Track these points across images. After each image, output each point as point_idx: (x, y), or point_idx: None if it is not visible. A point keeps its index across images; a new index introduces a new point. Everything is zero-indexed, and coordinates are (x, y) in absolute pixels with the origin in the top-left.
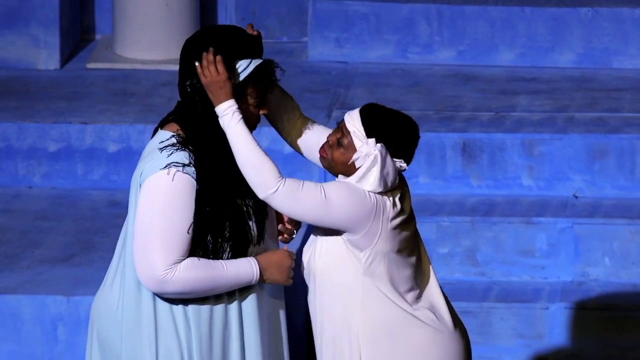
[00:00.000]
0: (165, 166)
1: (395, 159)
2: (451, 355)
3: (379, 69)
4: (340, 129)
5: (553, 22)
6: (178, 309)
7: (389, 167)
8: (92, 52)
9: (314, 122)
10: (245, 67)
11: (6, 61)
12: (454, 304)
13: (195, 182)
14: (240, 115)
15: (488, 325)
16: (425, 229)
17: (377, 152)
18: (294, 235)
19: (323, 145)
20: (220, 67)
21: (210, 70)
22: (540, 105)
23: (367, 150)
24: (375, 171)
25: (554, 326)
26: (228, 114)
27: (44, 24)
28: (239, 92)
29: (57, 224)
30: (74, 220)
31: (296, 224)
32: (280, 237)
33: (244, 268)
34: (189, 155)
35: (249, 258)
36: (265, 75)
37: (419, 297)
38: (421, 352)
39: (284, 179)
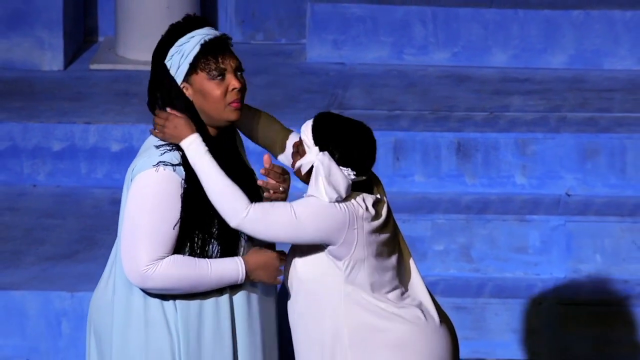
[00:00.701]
0: (156, 164)
1: (342, 167)
2: (436, 350)
3: (375, 70)
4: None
5: (545, 24)
6: (168, 303)
7: (336, 175)
8: (95, 53)
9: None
10: (195, 44)
11: (11, 62)
12: (449, 300)
13: (183, 182)
14: (205, 148)
15: (482, 320)
16: (421, 226)
17: (317, 160)
18: (280, 189)
19: (291, 156)
20: (167, 114)
21: (162, 126)
22: (533, 105)
23: (309, 158)
24: (322, 180)
25: (547, 321)
26: (191, 148)
27: (48, 26)
28: (193, 70)
29: (61, 221)
30: (78, 217)
31: (279, 176)
32: (265, 194)
33: (230, 268)
34: (180, 155)
35: (235, 258)
36: (213, 45)
37: (403, 294)
38: (406, 349)
39: (252, 204)
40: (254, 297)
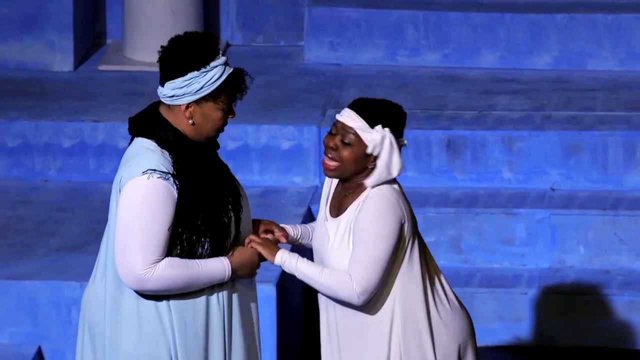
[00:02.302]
0: (145, 171)
1: (398, 139)
2: (467, 331)
3: (370, 70)
4: (338, 131)
5: (531, 27)
6: (162, 303)
7: (397, 147)
8: (103, 55)
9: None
10: (219, 75)
11: (24, 64)
12: None
13: (173, 187)
14: (295, 257)
15: (471, 308)
16: None
17: (387, 134)
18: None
19: (326, 154)
20: (255, 244)
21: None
22: (519, 104)
23: (379, 137)
24: (396, 153)
25: (533, 310)
26: (285, 265)
27: (59, 29)
28: (212, 98)
29: (71, 214)
30: (87, 211)
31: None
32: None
33: (218, 267)
34: (171, 161)
35: (221, 258)
36: (236, 82)
37: (438, 277)
38: (448, 330)
39: (351, 278)
40: (241, 294)
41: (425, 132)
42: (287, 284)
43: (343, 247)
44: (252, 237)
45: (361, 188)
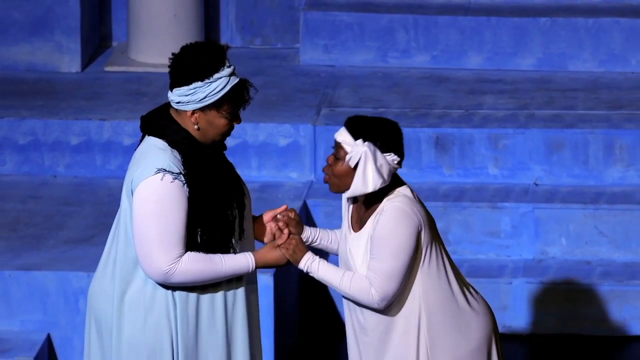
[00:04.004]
0: (157, 171)
1: (385, 153)
2: (488, 327)
3: (362, 71)
4: (334, 148)
5: (515, 30)
6: (168, 297)
7: (381, 161)
8: (109, 57)
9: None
10: (223, 86)
11: (34, 65)
12: None
13: (184, 185)
14: (317, 263)
15: None
16: None
17: (365, 148)
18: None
19: (324, 171)
20: (285, 235)
21: (287, 246)
22: (504, 103)
23: (357, 150)
24: (370, 167)
25: (517, 299)
26: (309, 267)
27: (67, 32)
28: (215, 107)
29: (79, 208)
30: (94, 205)
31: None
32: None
33: (242, 263)
34: (181, 161)
35: (247, 254)
36: (240, 93)
37: (459, 276)
38: (478, 317)
39: (370, 284)
40: (245, 289)
41: (415, 130)
42: (285, 274)
43: (367, 260)
44: (291, 236)
45: (377, 201)
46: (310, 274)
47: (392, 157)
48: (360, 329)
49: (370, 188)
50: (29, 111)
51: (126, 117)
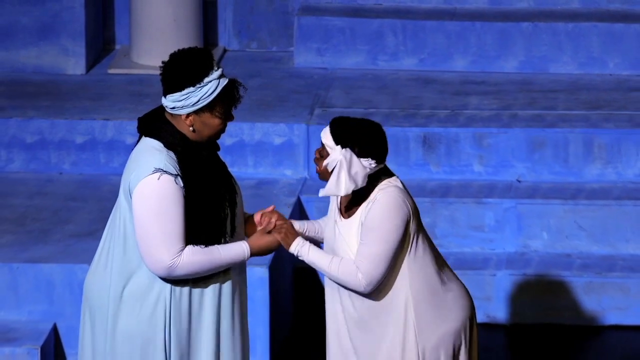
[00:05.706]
0: (154, 171)
1: (361, 159)
2: (471, 305)
3: (353, 74)
4: (321, 145)
5: (499, 34)
6: (164, 290)
7: (356, 168)
8: (112, 59)
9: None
10: (214, 89)
11: (40, 67)
12: None
13: (180, 185)
14: (307, 247)
15: None
16: None
17: (341, 156)
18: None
19: (315, 162)
20: (276, 222)
21: (277, 232)
22: (488, 104)
23: (334, 156)
24: (344, 174)
25: (500, 290)
26: (299, 250)
27: (72, 36)
28: (209, 108)
29: (84, 204)
30: (98, 201)
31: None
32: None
33: (238, 251)
34: (176, 160)
35: (241, 242)
36: (230, 93)
37: (443, 260)
38: (457, 303)
39: (357, 269)
40: (234, 281)
41: (404, 129)
42: (279, 266)
43: (356, 245)
44: (279, 222)
45: (368, 190)
46: (300, 258)
47: (368, 162)
48: (353, 324)
49: (342, 192)
50: (36, 111)
51: (129, 117)
